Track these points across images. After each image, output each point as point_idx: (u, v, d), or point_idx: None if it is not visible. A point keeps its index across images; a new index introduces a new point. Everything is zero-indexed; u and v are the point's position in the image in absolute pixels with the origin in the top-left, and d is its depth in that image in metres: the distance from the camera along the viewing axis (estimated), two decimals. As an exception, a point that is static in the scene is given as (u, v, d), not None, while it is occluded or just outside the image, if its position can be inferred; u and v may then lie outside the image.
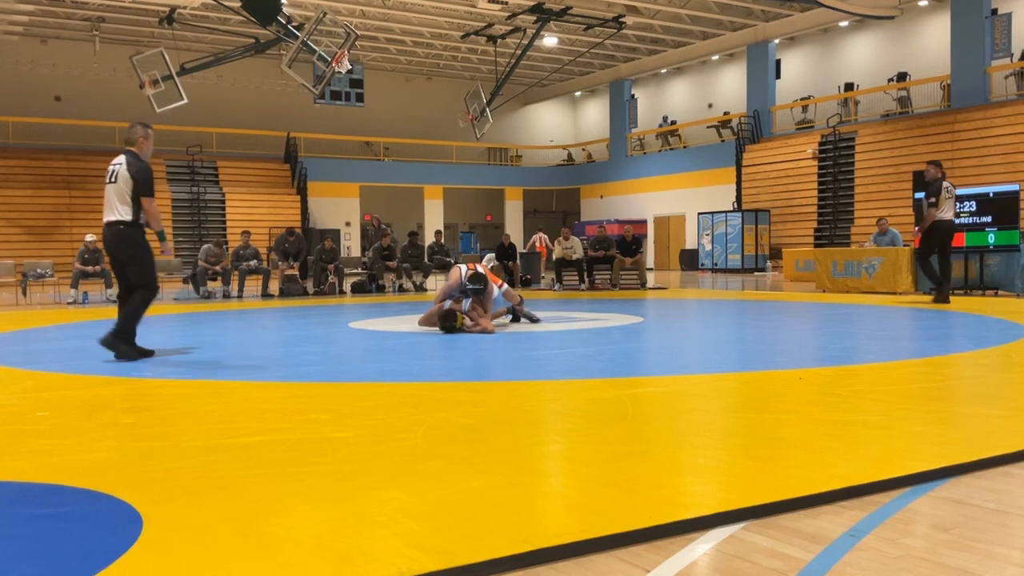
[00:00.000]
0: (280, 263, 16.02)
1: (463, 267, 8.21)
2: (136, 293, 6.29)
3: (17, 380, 5.51)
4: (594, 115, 38.04)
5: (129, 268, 6.34)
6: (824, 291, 14.42)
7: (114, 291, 14.38)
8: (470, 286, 7.90)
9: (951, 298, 10.88)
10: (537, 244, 24.05)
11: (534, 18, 23.52)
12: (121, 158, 6.30)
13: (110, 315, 11.31)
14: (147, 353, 6.30)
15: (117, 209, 6.18)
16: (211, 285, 15.38)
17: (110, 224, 6.23)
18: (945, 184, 10.55)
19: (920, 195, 13.77)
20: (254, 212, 27.39)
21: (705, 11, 26.42)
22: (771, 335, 8.07)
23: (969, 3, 22.04)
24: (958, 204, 12.51)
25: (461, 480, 2.90)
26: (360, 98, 25.54)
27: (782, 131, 27.85)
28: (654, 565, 2.16)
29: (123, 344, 6.18)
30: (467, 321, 7.84)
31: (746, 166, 27.71)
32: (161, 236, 6.54)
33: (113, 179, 6.23)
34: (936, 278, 10.81)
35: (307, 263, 16.60)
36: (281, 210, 27.90)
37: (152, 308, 12.53)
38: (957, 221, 11.88)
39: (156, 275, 6.57)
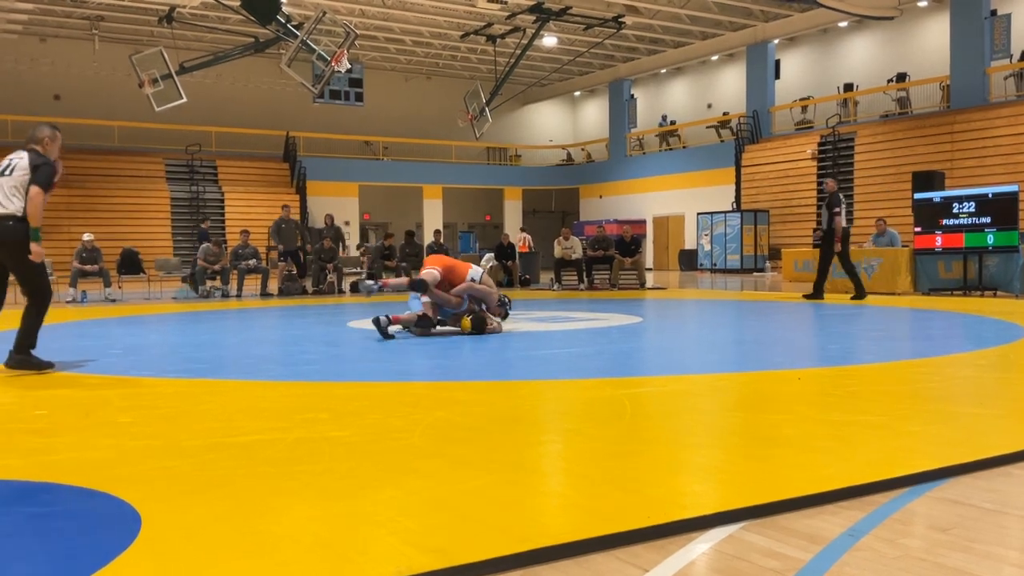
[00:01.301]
0: (280, 260, 16.05)
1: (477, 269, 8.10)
2: (29, 305, 5.68)
3: (15, 378, 5.51)
4: (593, 115, 38.03)
5: (17, 272, 5.67)
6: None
7: (112, 291, 14.47)
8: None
9: (825, 295, 12.41)
10: (520, 244, 24.03)
11: (533, 18, 23.51)
12: (21, 153, 5.66)
13: (109, 314, 11.35)
14: (47, 365, 5.70)
15: (8, 203, 5.53)
16: (210, 284, 15.37)
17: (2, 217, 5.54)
18: (840, 196, 12.15)
19: (919, 195, 13.89)
20: (253, 211, 27.36)
21: (704, 11, 26.41)
22: (769, 335, 8.07)
23: (968, 4, 22.04)
24: (957, 205, 12.79)
25: (459, 479, 2.90)
26: (359, 97, 25.52)
27: (781, 131, 27.84)
28: (653, 565, 2.16)
29: (20, 357, 5.67)
30: (492, 323, 7.84)
31: (745, 166, 27.71)
32: (34, 235, 5.52)
33: (8, 172, 5.61)
34: (855, 279, 12.17)
35: (305, 263, 16.60)
36: (280, 209, 27.86)
37: (152, 307, 12.56)
38: (956, 222, 12.85)
39: (47, 280, 5.83)
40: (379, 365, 6.13)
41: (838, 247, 11.95)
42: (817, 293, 12.27)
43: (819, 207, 25.05)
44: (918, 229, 13.42)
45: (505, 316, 8.25)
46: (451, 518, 2.48)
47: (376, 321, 7.52)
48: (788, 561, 2.16)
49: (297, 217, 23.82)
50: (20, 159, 5.64)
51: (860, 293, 12.04)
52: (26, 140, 5.77)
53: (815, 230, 12.58)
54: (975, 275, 12.85)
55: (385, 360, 6.36)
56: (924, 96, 24.49)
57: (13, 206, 5.53)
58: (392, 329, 7.57)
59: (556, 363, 6.10)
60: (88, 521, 2.52)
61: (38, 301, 5.72)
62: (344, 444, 3.46)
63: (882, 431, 3.61)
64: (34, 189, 5.53)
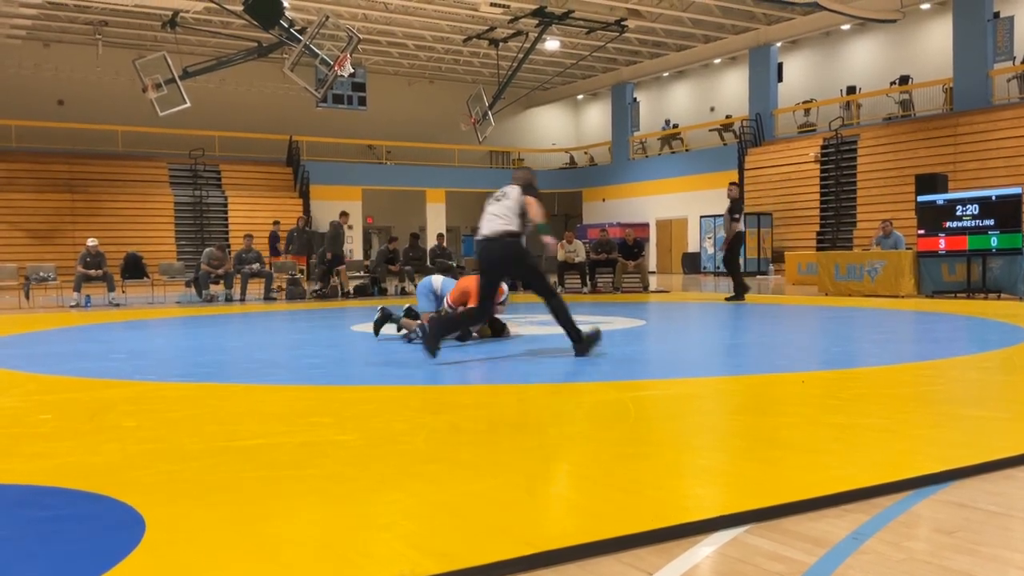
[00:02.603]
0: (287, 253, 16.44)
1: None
2: (553, 305, 6.26)
3: (19, 383, 5.52)
4: (596, 118, 38.03)
5: (525, 279, 6.52)
6: (826, 294, 14.42)
7: (116, 295, 14.50)
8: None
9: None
10: None
11: (536, 22, 23.52)
12: (514, 187, 6.39)
13: (113, 318, 11.37)
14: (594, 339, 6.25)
15: (509, 223, 6.19)
16: (213, 288, 15.39)
17: (500, 235, 6.19)
18: (742, 203, 13.29)
19: (923, 198, 13.88)
20: (256, 215, 27.40)
21: (707, 14, 26.41)
22: (773, 338, 8.06)
23: (971, 6, 22.02)
24: (960, 207, 12.94)
25: (463, 482, 2.90)
26: (362, 101, 25.56)
27: (784, 134, 27.83)
28: (656, 568, 2.16)
29: (582, 345, 6.19)
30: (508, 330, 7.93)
31: (748, 169, 27.69)
32: (543, 229, 6.26)
33: (504, 199, 6.33)
34: (741, 279, 13.18)
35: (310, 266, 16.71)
36: (283, 213, 27.84)
37: (156, 312, 12.58)
38: (960, 224, 12.89)
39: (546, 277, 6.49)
40: (382, 369, 6.14)
41: (725, 246, 13.20)
42: (741, 293, 13.07)
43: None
44: (921, 232, 13.41)
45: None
46: (455, 521, 2.48)
47: (388, 315, 7.57)
48: (792, 564, 2.16)
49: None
50: (513, 190, 6.36)
51: (739, 294, 12.99)
52: (518, 179, 6.52)
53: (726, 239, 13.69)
54: (979, 277, 12.83)
55: (388, 364, 6.36)
56: (927, 99, 24.46)
57: (512, 225, 6.20)
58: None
59: (559, 366, 6.09)
60: (92, 525, 2.53)
61: (554, 298, 6.26)
62: (348, 448, 3.46)
63: (886, 434, 3.60)
64: (531, 199, 6.28)
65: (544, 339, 7.83)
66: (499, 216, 6.22)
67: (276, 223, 20.19)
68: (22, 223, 24.25)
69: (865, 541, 2.31)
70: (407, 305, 7.97)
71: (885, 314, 10.29)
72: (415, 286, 17.05)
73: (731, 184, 13.72)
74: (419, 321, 7.62)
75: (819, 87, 27.97)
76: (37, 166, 25.61)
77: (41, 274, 15.14)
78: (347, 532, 2.39)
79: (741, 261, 14.57)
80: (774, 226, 26.09)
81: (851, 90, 26.26)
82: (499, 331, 7.82)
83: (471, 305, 7.37)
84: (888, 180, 23.16)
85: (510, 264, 6.31)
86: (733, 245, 13.12)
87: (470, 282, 7.74)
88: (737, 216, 12.99)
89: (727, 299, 13.02)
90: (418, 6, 25.17)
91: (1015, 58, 22.06)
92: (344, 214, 17.41)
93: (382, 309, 7.81)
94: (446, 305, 7.58)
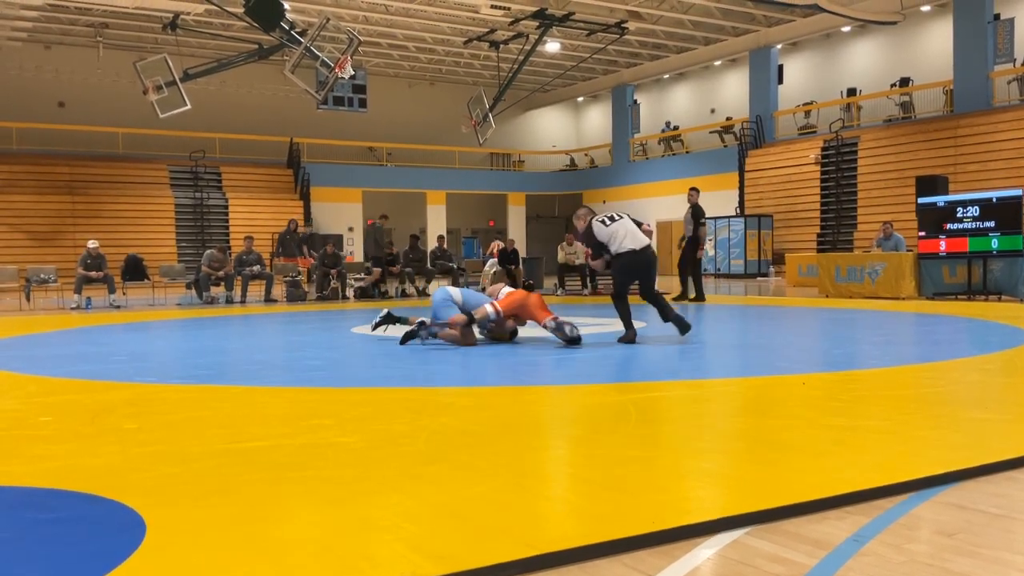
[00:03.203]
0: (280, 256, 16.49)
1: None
2: (660, 301, 7.61)
3: (20, 385, 5.52)
4: (597, 120, 38.04)
5: (649, 282, 7.65)
6: (827, 296, 14.41)
7: (116, 297, 14.51)
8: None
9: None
10: (494, 251, 23.91)
11: (536, 24, 23.52)
12: (616, 213, 7.81)
13: (114, 320, 11.39)
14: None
15: (642, 236, 7.54)
16: (214, 290, 15.39)
17: (647, 245, 7.54)
18: (702, 207, 13.78)
19: (923, 200, 13.89)
20: (257, 217, 27.41)
21: (707, 16, 26.41)
22: (774, 340, 8.06)
23: (971, 8, 22.03)
24: (961, 209, 12.99)
25: (464, 485, 2.90)
26: (363, 103, 25.53)
27: (784, 136, 27.82)
28: (657, 570, 2.16)
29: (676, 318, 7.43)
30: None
31: (749, 171, 27.69)
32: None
33: (620, 218, 7.66)
34: (700, 282, 13.80)
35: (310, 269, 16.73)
36: (284, 215, 27.77)
37: (156, 314, 12.59)
38: (960, 226, 12.91)
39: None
40: (383, 371, 6.13)
41: (700, 253, 13.77)
42: (699, 296, 13.61)
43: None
44: (922, 234, 13.40)
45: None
46: (456, 524, 2.48)
47: (415, 328, 7.46)
48: (793, 567, 2.16)
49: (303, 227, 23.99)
50: (623, 215, 7.79)
51: (700, 296, 13.59)
52: (589, 212, 7.78)
53: (682, 239, 14.15)
54: (979, 279, 12.82)
55: (389, 366, 6.36)
56: (927, 101, 24.45)
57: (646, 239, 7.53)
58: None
59: (560, 368, 6.09)
60: (93, 527, 2.53)
61: (660, 299, 7.60)
62: (349, 450, 3.46)
63: (887, 436, 3.60)
64: (649, 226, 7.88)
65: (545, 341, 7.83)
66: (636, 231, 7.50)
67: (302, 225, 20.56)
68: (23, 225, 24.25)
69: (866, 543, 2.31)
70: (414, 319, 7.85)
71: (886, 316, 10.29)
72: (415, 288, 17.17)
73: (691, 189, 14.14)
74: (420, 318, 7.62)
75: (819, 89, 27.97)
76: (38, 168, 25.61)
77: (42, 276, 15.14)
78: (348, 534, 2.39)
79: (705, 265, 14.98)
80: (775, 228, 26.08)
81: (851, 92, 26.26)
82: (513, 335, 7.85)
83: (545, 316, 7.44)
84: (889, 182, 23.15)
85: (654, 267, 7.66)
86: (693, 248, 13.55)
87: (525, 297, 7.72)
88: (703, 221, 13.58)
89: (691, 299, 13.55)
90: (419, 8, 25.19)
91: (1015, 60, 22.06)
92: (384, 216, 17.72)
93: (388, 313, 7.80)
94: (490, 310, 7.40)
